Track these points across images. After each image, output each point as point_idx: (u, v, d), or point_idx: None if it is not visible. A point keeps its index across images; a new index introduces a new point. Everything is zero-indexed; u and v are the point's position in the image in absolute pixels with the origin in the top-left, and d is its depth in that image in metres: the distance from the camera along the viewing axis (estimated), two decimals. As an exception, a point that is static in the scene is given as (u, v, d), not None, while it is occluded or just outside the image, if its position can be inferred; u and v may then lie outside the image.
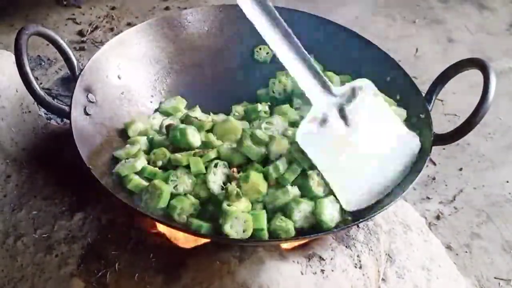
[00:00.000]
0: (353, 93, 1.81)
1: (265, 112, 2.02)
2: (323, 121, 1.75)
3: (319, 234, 1.67)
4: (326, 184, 1.71)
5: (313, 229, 1.67)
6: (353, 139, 1.76)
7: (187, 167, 1.73)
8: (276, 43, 1.79)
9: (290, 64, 1.78)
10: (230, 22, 2.23)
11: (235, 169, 1.76)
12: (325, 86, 1.79)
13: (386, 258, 1.96)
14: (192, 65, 2.17)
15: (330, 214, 1.66)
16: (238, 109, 2.08)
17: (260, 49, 2.23)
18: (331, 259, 1.72)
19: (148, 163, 1.77)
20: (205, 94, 2.14)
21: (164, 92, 2.13)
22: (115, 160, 1.80)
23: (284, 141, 1.77)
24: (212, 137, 1.83)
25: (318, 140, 1.73)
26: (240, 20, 2.21)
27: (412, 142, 1.81)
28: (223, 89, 2.17)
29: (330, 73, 2.06)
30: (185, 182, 1.71)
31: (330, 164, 1.71)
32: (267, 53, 2.22)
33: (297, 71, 1.78)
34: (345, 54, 2.12)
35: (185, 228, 1.62)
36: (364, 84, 1.84)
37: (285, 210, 1.67)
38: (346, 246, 1.78)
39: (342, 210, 1.69)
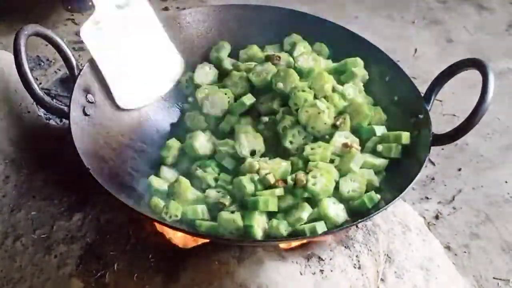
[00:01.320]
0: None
1: None
2: (99, 23, 1.90)
3: (318, 235, 1.67)
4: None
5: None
6: (124, 43, 1.96)
7: None
8: None
9: None
10: (229, 22, 2.23)
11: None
12: None
13: (385, 258, 1.96)
14: (191, 65, 2.17)
15: (335, 212, 1.67)
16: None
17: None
18: (330, 259, 1.72)
19: None
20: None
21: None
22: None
23: None
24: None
25: (98, 38, 1.89)
26: (240, 21, 2.22)
27: (174, 59, 2.10)
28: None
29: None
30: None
31: (108, 60, 1.90)
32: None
33: None
34: (344, 54, 2.12)
35: (183, 228, 1.62)
36: None
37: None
38: (345, 247, 1.78)
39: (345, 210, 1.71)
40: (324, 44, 2.18)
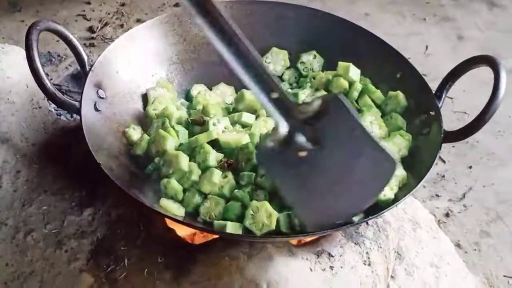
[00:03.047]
0: (321, 110, 1.51)
1: None
2: (285, 142, 1.53)
3: (328, 231, 1.66)
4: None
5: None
6: (320, 161, 1.53)
7: None
8: (232, 60, 1.46)
9: (250, 84, 1.48)
10: (240, 18, 2.22)
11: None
12: (289, 105, 1.51)
13: (395, 255, 1.96)
14: (202, 62, 2.17)
15: None
16: None
17: None
18: (340, 256, 1.72)
19: None
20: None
21: (174, 88, 2.13)
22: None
23: None
24: None
25: (280, 160, 1.56)
26: (250, 17, 2.22)
27: (388, 162, 1.53)
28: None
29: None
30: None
31: (293, 185, 1.56)
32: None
33: (257, 90, 1.48)
34: (355, 51, 2.12)
35: (193, 224, 1.63)
36: (334, 100, 1.52)
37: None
38: (355, 243, 1.78)
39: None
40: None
